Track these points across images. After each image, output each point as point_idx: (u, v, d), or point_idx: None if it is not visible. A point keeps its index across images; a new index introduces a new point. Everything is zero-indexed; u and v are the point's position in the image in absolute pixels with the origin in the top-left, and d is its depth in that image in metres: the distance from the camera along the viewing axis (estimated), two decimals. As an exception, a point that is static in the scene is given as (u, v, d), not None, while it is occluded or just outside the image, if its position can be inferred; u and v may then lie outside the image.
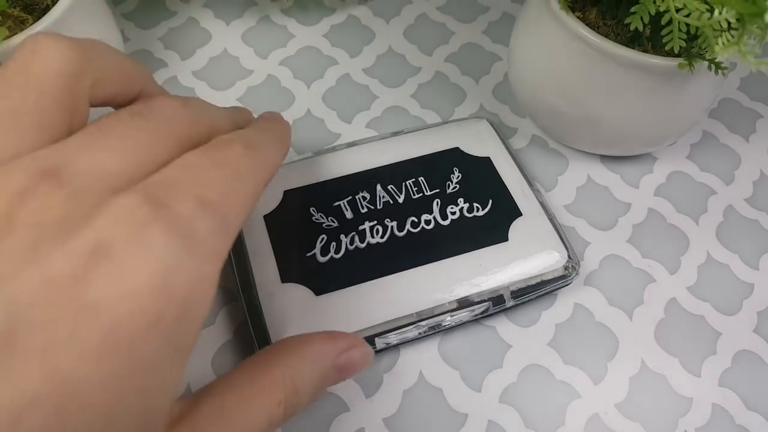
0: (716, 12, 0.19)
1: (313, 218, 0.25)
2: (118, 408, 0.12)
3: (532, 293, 0.24)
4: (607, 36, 0.24)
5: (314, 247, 0.24)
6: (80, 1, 0.24)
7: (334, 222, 0.25)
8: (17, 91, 0.15)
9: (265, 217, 0.25)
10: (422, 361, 0.24)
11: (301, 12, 0.35)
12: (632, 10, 0.22)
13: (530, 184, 0.26)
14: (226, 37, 0.34)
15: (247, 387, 0.17)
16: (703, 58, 0.22)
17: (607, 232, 0.27)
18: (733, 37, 0.19)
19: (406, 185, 0.26)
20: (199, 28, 0.34)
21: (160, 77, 0.32)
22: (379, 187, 0.26)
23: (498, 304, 0.23)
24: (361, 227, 0.25)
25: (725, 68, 0.22)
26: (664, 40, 0.21)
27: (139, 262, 0.13)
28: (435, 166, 0.26)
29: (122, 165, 0.14)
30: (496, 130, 0.28)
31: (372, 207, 0.25)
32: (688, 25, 0.20)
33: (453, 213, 0.25)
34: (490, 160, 0.27)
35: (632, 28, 0.22)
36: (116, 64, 0.17)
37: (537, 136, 0.30)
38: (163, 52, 0.33)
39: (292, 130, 0.23)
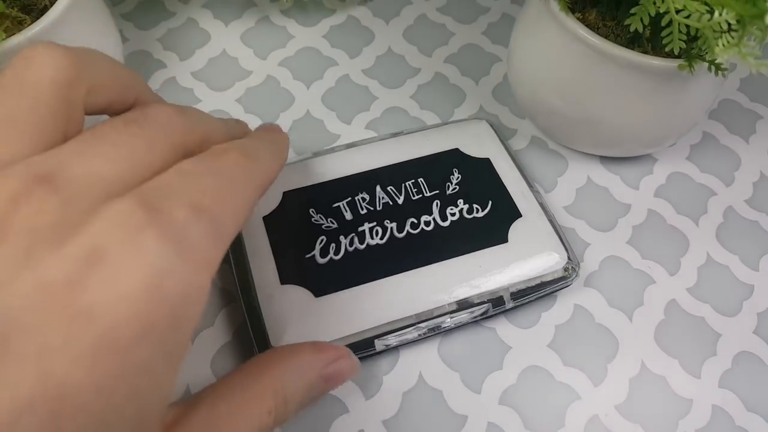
0: (716, 13, 0.19)
1: (313, 219, 0.25)
2: (111, 412, 0.12)
3: (531, 294, 0.24)
4: (606, 37, 0.24)
5: (313, 249, 0.24)
6: (79, 1, 0.24)
7: (333, 223, 0.25)
8: (12, 99, 0.15)
9: (265, 218, 0.25)
10: (422, 363, 0.24)
11: (300, 13, 0.35)
12: (632, 11, 0.22)
13: (530, 185, 0.26)
14: (225, 37, 0.34)
15: (238, 395, 0.17)
16: (703, 60, 0.22)
17: (606, 233, 0.27)
18: (733, 38, 0.19)
19: (405, 186, 0.26)
20: (198, 28, 0.34)
21: (159, 78, 0.32)
22: (378, 188, 0.26)
23: (498, 305, 0.23)
24: (360, 228, 0.25)
25: (725, 69, 0.22)
26: (664, 42, 0.21)
27: (133, 267, 0.13)
28: (434, 167, 0.26)
29: (117, 171, 0.14)
30: (495, 131, 0.28)
31: (371, 208, 0.25)
32: (688, 26, 0.20)
33: (452, 214, 0.25)
34: (490, 161, 0.27)
35: (632, 29, 0.22)
36: (111, 72, 0.17)
37: (537, 137, 0.30)
38: (162, 52, 0.33)
39: (289, 140, 0.23)
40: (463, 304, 0.23)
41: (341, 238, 0.24)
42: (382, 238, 0.24)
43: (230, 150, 0.17)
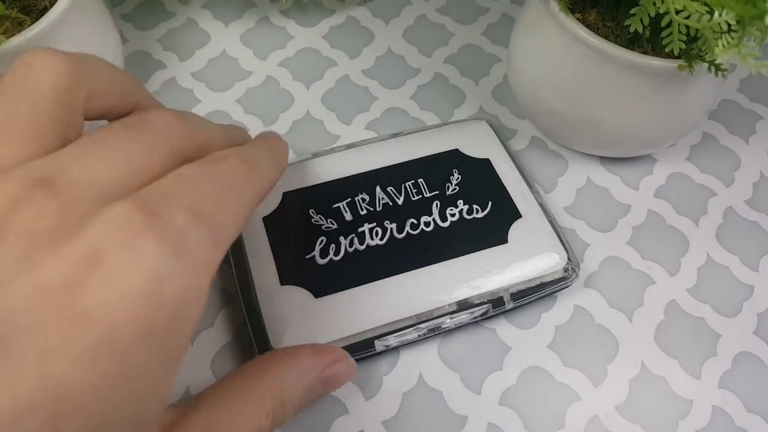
0: (716, 14, 0.19)
1: (312, 220, 0.25)
2: (110, 413, 0.13)
3: (531, 295, 0.24)
4: (606, 38, 0.24)
5: (313, 249, 0.24)
6: (78, 2, 0.24)
7: (333, 224, 0.25)
8: (12, 104, 0.15)
9: (264, 219, 0.25)
10: (422, 364, 0.24)
11: (300, 13, 0.35)
12: (632, 11, 0.22)
13: (530, 186, 0.26)
14: (225, 38, 0.34)
15: (237, 398, 0.17)
16: (703, 60, 0.22)
17: (606, 234, 0.27)
18: (733, 39, 0.19)
19: (405, 187, 0.26)
20: (198, 29, 0.34)
21: (159, 78, 0.32)
22: (378, 188, 0.26)
23: (498, 306, 0.23)
24: (360, 229, 0.25)
25: (725, 70, 0.22)
26: (663, 42, 0.21)
27: (132, 270, 0.13)
28: (434, 168, 0.26)
29: (115, 175, 0.15)
30: (495, 132, 0.28)
31: (371, 209, 0.25)
32: (687, 27, 0.20)
33: (452, 215, 0.25)
34: (490, 162, 0.27)
35: (632, 29, 0.22)
36: (111, 77, 0.17)
37: (536, 138, 0.30)
38: (161, 53, 0.33)
39: (288, 148, 0.23)
40: (463, 305, 0.23)
41: (341, 238, 0.24)
42: (381, 239, 0.24)
43: (230, 156, 0.17)
